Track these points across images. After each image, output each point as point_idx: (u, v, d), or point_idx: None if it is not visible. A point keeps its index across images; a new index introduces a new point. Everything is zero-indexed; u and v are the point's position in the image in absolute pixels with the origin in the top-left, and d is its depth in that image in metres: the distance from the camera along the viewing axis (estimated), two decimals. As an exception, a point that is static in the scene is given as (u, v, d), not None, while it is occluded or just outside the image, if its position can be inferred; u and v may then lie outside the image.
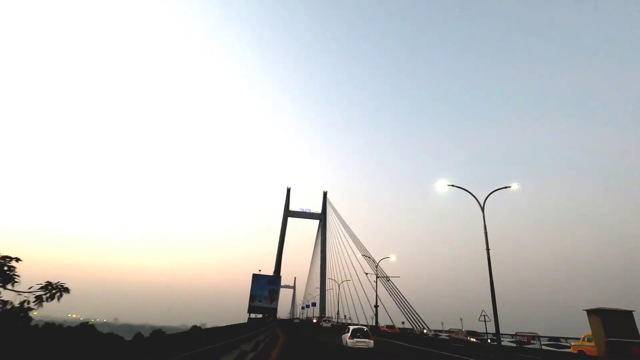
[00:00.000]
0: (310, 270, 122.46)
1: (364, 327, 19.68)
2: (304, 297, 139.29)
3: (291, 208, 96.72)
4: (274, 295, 48.00)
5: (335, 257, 78.57)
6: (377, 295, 40.11)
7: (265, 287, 48.12)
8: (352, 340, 18.36)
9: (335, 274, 77.36)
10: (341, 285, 70.29)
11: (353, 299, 66.89)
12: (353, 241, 66.90)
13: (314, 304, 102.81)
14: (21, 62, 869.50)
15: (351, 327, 19.79)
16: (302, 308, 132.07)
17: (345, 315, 69.78)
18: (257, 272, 48.58)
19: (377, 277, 40.90)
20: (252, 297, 47.33)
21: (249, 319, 45.56)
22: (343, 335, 20.59)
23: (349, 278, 70.07)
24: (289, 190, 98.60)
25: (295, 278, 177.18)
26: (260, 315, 47.57)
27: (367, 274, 40.94)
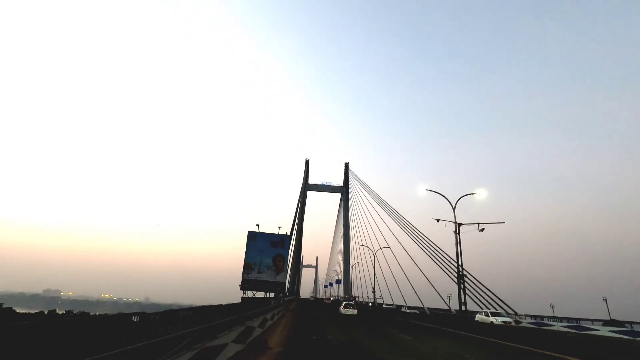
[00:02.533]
0: (332, 248, 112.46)
1: (351, 302, 32.99)
2: (326, 275, 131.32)
3: (310, 182, 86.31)
4: (281, 264, 31.06)
5: (363, 230, 65.39)
6: (459, 253, 21.87)
7: (268, 251, 31.23)
8: (343, 310, 29.59)
9: (363, 249, 62.83)
10: (375, 258, 52.85)
11: (385, 275, 49.88)
12: (384, 209, 53.15)
13: (338, 281, 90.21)
14: (20, 58, 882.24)
15: (344, 302, 34.04)
16: (325, 287, 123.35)
17: (371, 295, 53.97)
18: (255, 230, 31.64)
19: (457, 226, 22.57)
20: (247, 267, 30.64)
21: (243, 299, 29.16)
22: (340, 307, 31.47)
23: (380, 249, 52.38)
24: (307, 162, 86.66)
25: (317, 257, 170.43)
26: (268, 294, 30.93)
27: (438, 220, 23.02)
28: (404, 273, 49.61)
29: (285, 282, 31.97)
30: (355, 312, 29.39)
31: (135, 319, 4.62)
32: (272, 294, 31.67)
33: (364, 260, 64.75)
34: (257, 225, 31.70)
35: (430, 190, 24.52)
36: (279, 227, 32.76)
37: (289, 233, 58.26)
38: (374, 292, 47.94)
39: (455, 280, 32.67)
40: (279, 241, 32.27)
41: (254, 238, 31.91)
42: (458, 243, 21.92)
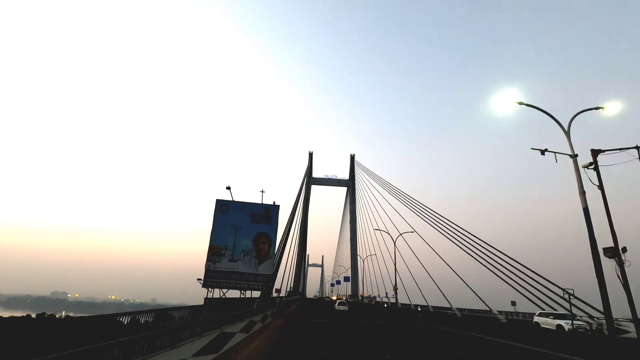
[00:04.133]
0: (338, 246, 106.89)
1: (344, 301, 39.70)
2: (332, 272, 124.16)
3: (314, 175, 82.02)
4: (265, 247, 20.15)
5: (373, 224, 58.82)
6: (604, 209, 10.86)
7: (246, 228, 20.31)
8: (337, 307, 36.01)
9: (373, 242, 56.60)
10: (395, 246, 41.81)
11: (400, 271, 39.38)
12: (397, 198, 46.95)
13: (346, 279, 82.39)
14: (22, 61, 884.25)
15: (338, 300, 41.60)
16: (332, 285, 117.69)
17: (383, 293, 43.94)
18: (226, 199, 20.67)
19: (593, 155, 11.59)
20: (214, 252, 19.54)
21: (207, 300, 18.44)
22: (335, 305, 37.86)
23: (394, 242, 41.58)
24: (311, 155, 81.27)
25: (323, 256, 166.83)
26: (249, 294, 20.06)
27: (543, 152, 12.04)
28: (423, 267, 39.50)
29: (271, 275, 21.05)
30: (346, 308, 36.23)
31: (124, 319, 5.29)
32: (256, 294, 20.89)
33: (373, 254, 56.25)
34: (228, 188, 20.70)
35: (523, 104, 13.48)
36: (262, 192, 21.86)
37: (287, 226, 47.93)
38: (395, 288, 37.00)
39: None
40: (262, 214, 21.40)
41: (224, 209, 21.07)
42: (599, 187, 10.90)
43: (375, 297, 55.56)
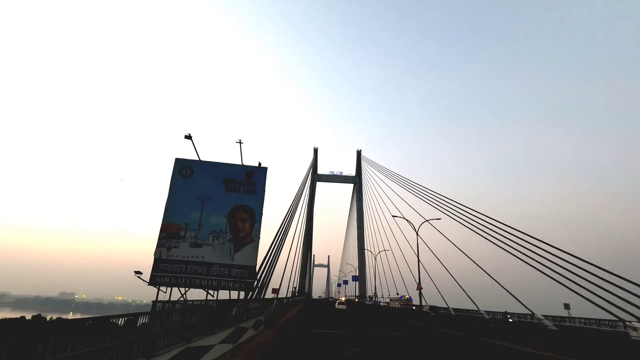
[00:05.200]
0: (345, 244, 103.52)
1: (343, 301, 47.10)
2: (339, 272, 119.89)
3: (319, 172, 79.33)
4: (245, 227, 13.59)
5: (382, 221, 55.48)
6: None
7: (220, 197, 13.78)
8: (337, 306, 42.38)
9: (383, 241, 52.98)
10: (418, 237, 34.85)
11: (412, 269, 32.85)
12: (409, 190, 42.25)
13: (355, 278, 76.38)
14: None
15: (337, 300, 50.95)
16: (338, 285, 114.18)
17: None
18: (190, 158, 14.23)
19: None
20: (169, 232, 13.18)
21: (157, 304, 12.05)
22: (335, 304, 44.90)
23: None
24: (316, 151, 78.21)
25: (329, 257, 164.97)
26: (223, 295, 13.40)
27: None
28: (443, 266, 33.20)
29: (255, 267, 14.19)
30: (344, 307, 42.46)
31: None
32: (233, 295, 14.25)
33: (387, 250, 50.33)
34: (188, 137, 13.85)
35: None
36: (239, 142, 15.04)
37: (289, 215, 40.85)
38: (419, 288, 29.98)
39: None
40: (243, 179, 14.74)
41: (187, 172, 14.41)
42: None
43: (410, 298, 47.00)
